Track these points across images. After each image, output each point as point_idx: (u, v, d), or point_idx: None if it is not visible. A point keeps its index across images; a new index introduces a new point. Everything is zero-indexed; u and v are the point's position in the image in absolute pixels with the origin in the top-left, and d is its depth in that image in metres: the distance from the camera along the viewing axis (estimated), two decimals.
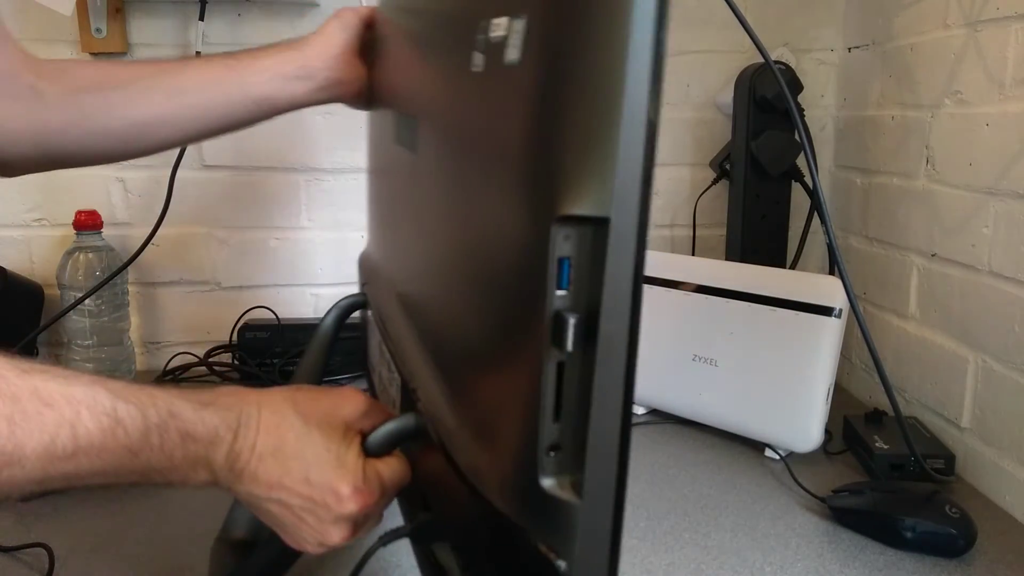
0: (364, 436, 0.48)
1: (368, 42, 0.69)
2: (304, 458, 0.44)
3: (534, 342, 0.30)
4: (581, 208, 0.28)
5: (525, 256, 0.31)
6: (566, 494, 0.30)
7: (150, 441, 0.40)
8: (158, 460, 0.41)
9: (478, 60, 0.36)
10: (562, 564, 0.30)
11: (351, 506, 0.45)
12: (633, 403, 0.30)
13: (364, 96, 0.69)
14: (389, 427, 0.48)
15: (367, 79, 0.69)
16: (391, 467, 0.48)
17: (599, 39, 0.27)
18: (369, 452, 0.47)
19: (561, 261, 0.29)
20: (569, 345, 0.29)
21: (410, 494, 0.51)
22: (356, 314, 0.71)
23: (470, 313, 0.39)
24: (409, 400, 0.49)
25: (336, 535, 0.46)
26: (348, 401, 0.48)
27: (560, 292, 0.29)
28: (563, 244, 0.29)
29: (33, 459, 0.36)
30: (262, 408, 0.45)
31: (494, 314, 0.35)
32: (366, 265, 0.73)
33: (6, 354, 0.37)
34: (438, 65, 0.47)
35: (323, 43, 0.67)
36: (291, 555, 0.57)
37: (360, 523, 0.47)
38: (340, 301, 0.68)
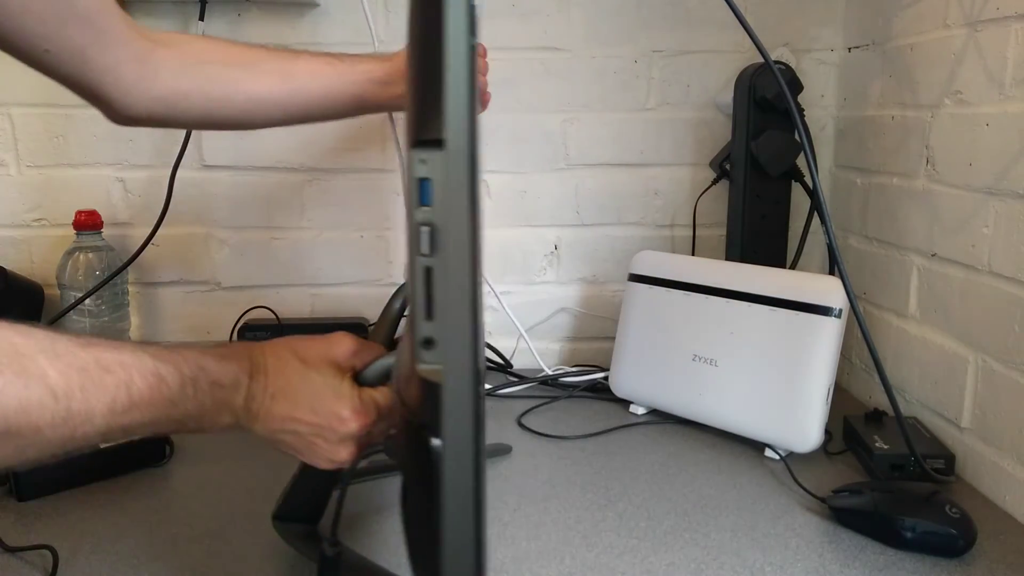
0: (357, 372, 0.57)
1: None
2: (308, 393, 0.53)
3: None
4: (427, 133, 0.35)
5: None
6: (436, 379, 0.37)
7: (186, 392, 0.48)
8: (193, 407, 0.49)
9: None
10: (437, 442, 0.37)
11: (352, 425, 0.53)
12: (481, 300, 0.37)
13: None
14: (380, 363, 0.57)
15: None
16: (383, 394, 0.56)
17: (431, 12, 0.35)
18: (364, 383, 0.56)
19: (422, 181, 0.36)
20: (425, 250, 0.36)
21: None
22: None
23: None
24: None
25: (344, 452, 0.54)
26: (338, 343, 0.57)
27: (423, 208, 0.36)
28: (420, 167, 0.36)
29: (100, 416, 0.44)
30: (267, 355, 0.54)
31: (409, 243, 0.43)
32: None
33: (67, 333, 0.45)
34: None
35: (405, 56, 0.74)
36: (331, 475, 0.65)
37: (363, 442, 0.55)
38: (404, 284, 0.74)
